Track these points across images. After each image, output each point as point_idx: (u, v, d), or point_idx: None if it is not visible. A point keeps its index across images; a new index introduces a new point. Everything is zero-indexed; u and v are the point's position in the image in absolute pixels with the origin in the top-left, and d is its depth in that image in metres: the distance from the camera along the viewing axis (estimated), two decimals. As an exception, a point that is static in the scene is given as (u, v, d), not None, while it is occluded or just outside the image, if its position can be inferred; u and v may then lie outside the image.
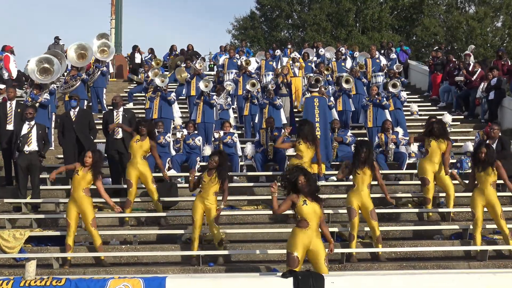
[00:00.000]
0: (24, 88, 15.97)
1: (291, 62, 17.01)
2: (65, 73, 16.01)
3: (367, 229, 9.24)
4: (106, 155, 11.58)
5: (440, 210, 9.93)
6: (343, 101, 14.27)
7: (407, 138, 12.91)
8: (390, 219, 10.11)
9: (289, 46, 22.66)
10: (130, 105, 16.65)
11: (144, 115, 14.04)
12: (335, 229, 9.19)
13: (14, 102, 11.60)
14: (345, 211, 10.10)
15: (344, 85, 14.25)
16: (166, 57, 22.25)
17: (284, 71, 14.70)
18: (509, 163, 10.97)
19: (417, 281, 7.14)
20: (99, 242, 8.76)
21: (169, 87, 14.58)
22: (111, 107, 11.75)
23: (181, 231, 9.49)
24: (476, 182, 8.98)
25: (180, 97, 15.97)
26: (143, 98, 16.17)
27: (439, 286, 7.08)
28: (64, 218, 9.99)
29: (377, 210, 10.14)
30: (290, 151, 12.93)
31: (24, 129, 10.58)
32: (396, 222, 9.90)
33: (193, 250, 8.70)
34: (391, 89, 13.73)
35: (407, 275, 7.42)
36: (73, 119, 11.16)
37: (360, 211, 8.87)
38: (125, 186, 10.28)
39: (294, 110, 15.16)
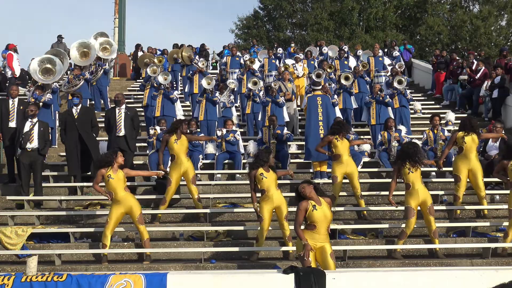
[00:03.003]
0: (27, 87, 16.00)
1: (294, 61, 17.01)
2: (68, 72, 16.03)
3: (368, 226, 9.27)
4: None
5: (446, 208, 9.90)
6: (343, 99, 14.22)
7: (411, 136, 12.93)
8: (392, 217, 10.10)
9: (292, 45, 22.68)
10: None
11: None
12: (338, 227, 9.18)
13: (16, 100, 11.62)
14: (348, 208, 10.16)
15: (343, 82, 14.19)
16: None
17: (286, 76, 14.64)
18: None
19: (419, 278, 7.12)
20: (146, 236, 8.71)
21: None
22: (113, 105, 11.76)
23: (183, 229, 9.50)
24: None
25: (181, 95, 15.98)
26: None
27: (441, 283, 7.06)
28: (67, 215, 10.08)
29: (379, 208, 10.19)
30: (294, 149, 12.95)
31: (26, 127, 10.60)
32: (399, 220, 9.85)
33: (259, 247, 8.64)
34: (396, 86, 13.68)
35: (409, 272, 7.38)
36: (76, 117, 11.18)
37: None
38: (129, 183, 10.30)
39: (298, 109, 15.21)
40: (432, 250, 8.85)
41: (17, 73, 17.29)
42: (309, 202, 7.03)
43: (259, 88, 13.95)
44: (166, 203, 9.80)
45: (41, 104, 12.50)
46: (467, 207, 10.02)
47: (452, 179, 10.21)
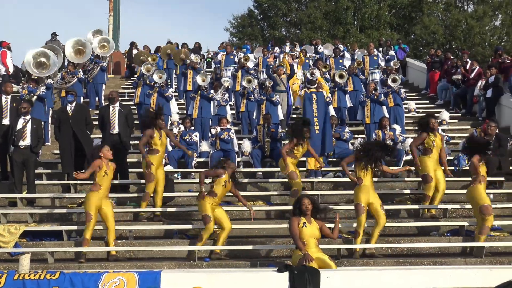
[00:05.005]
0: (21, 84, 15.93)
1: (288, 57, 16.96)
2: (62, 69, 15.96)
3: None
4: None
5: (440, 207, 9.88)
6: (338, 98, 14.20)
7: (405, 135, 12.94)
8: (387, 216, 10.07)
9: (287, 44, 22.66)
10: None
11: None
12: (332, 225, 9.14)
13: (9, 97, 11.54)
14: (343, 207, 10.13)
15: (338, 80, 14.17)
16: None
17: (280, 72, 14.60)
18: (506, 160, 11.02)
19: (413, 276, 7.12)
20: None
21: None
22: (107, 103, 11.71)
23: (177, 227, 9.46)
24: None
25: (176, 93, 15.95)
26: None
27: (436, 282, 7.07)
28: (61, 213, 10.02)
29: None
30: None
31: (19, 124, 10.53)
32: (393, 218, 9.86)
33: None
34: (390, 84, 13.69)
35: (403, 271, 7.38)
36: (70, 114, 11.10)
37: None
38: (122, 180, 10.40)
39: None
40: None
41: (11, 70, 17.22)
42: (300, 219, 7.45)
43: (254, 86, 13.92)
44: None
45: (35, 98, 12.44)
46: (461, 206, 10.04)
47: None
